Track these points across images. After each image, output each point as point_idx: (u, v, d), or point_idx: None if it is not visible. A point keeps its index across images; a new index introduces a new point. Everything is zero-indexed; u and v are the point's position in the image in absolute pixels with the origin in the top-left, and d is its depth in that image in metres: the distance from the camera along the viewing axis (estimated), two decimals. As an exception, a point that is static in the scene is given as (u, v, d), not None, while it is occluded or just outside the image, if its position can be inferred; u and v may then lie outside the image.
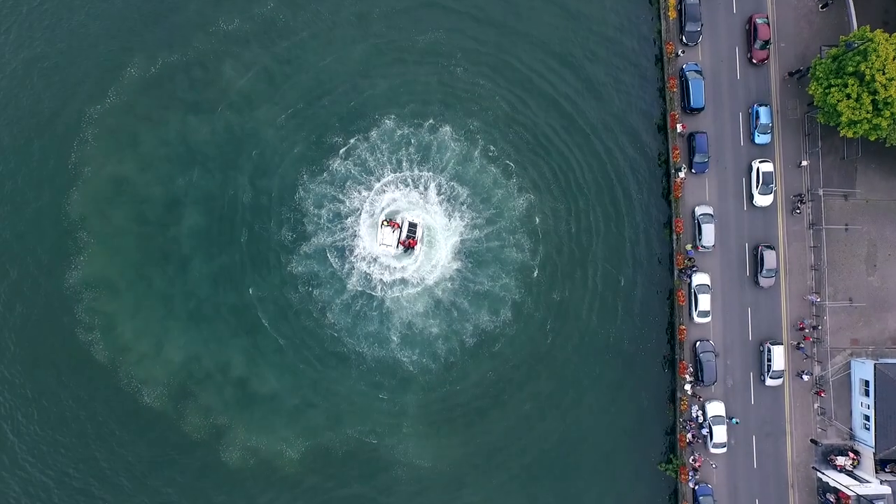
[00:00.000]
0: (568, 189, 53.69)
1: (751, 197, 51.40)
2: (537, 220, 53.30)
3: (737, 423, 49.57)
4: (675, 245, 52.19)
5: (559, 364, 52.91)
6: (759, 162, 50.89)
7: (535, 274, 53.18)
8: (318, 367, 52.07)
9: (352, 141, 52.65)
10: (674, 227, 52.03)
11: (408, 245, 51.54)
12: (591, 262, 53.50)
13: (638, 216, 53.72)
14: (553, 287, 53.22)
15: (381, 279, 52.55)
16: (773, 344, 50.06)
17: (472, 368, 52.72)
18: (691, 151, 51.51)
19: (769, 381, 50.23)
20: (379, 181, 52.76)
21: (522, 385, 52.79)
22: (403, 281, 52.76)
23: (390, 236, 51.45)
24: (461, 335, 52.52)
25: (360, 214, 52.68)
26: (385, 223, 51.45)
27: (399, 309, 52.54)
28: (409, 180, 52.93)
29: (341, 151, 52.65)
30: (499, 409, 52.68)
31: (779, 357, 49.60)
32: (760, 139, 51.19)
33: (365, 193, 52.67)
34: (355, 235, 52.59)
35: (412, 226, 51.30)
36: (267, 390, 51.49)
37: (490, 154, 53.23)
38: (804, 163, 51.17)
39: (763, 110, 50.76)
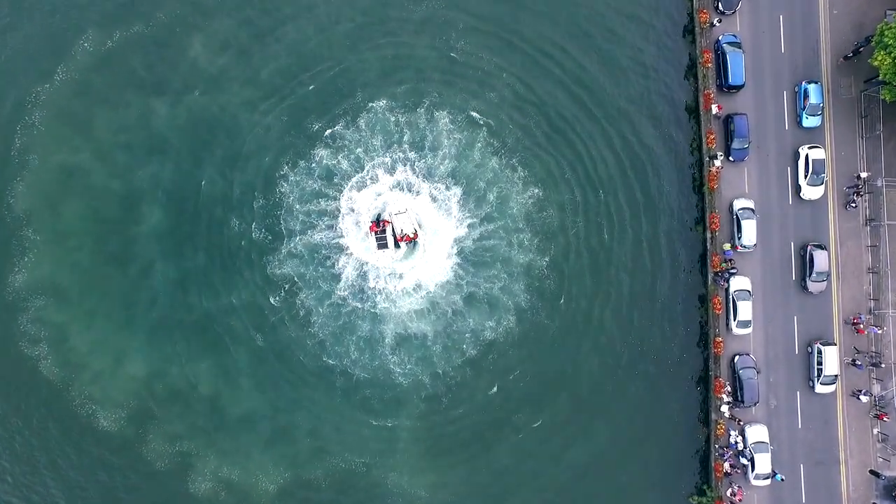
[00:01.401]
0: (582, 182, 46.83)
1: (798, 189, 44.46)
2: (547, 217, 46.46)
3: (782, 479, 42.61)
4: (709, 245, 45.33)
5: (575, 381, 46.20)
6: (809, 148, 43.92)
7: (546, 278, 46.42)
8: (300, 385, 45.57)
9: (338, 127, 45.96)
10: (708, 224, 45.15)
11: (406, 239, 44.96)
12: (610, 264, 46.65)
13: (665, 212, 46.86)
14: (566, 294, 46.42)
15: (372, 283, 45.99)
16: (824, 344, 43.21)
17: (476, 386, 46.06)
18: (729, 136, 44.59)
19: (819, 388, 43.36)
20: (368, 172, 46.11)
21: (532, 405, 46.09)
22: (396, 285, 46.19)
23: (385, 238, 44.92)
24: (462, 347, 45.89)
25: (349, 210, 46.07)
26: (377, 226, 44.81)
27: (391, 317, 45.98)
28: (403, 172, 46.20)
29: (326, 138, 45.98)
30: (506, 433, 46.02)
31: (832, 359, 42.74)
32: (809, 122, 44.22)
33: (353, 186, 45.99)
34: (342, 234, 46.03)
35: (402, 218, 44.69)
36: (241, 412, 45.02)
37: (493, 142, 46.42)
38: (861, 149, 44.17)
39: (813, 88, 43.76)
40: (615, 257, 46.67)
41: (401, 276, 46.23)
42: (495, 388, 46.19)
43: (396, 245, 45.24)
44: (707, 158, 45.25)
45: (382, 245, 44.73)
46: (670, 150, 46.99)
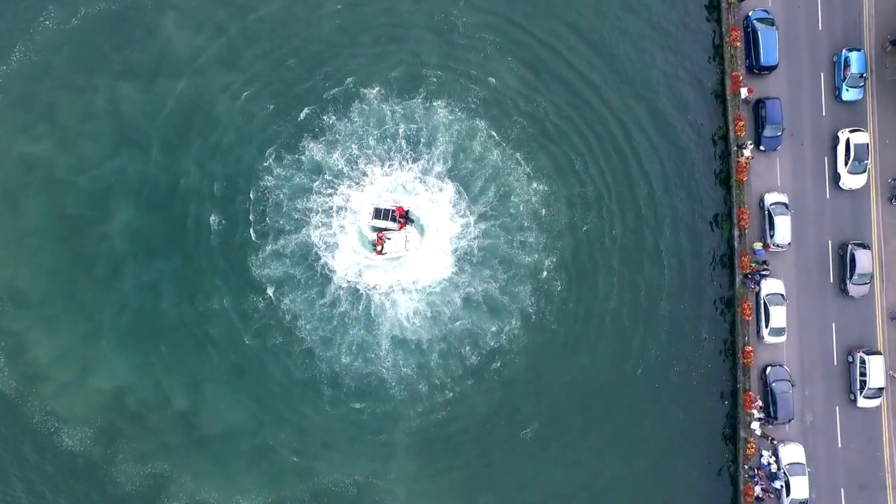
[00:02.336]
0: (593, 175, 42.54)
1: (837, 178, 40.04)
2: (554, 213, 42.19)
3: None
4: (737, 244, 40.95)
5: (586, 394, 41.89)
6: (850, 132, 39.46)
7: (553, 280, 42.07)
8: (285, 397, 41.26)
9: (327, 116, 41.80)
10: (736, 221, 40.80)
11: (403, 221, 41.04)
12: (624, 265, 42.33)
13: (687, 207, 42.51)
14: (575, 297, 42.10)
15: (365, 285, 41.77)
16: (867, 353, 38.86)
17: (477, 397, 41.71)
18: (759, 123, 40.21)
19: (862, 402, 39.13)
20: (360, 166, 41.86)
21: (539, 420, 41.73)
22: (391, 287, 41.96)
23: (394, 245, 41.06)
24: (462, 355, 41.59)
25: (340, 207, 41.88)
26: (384, 239, 40.98)
27: (386, 322, 41.73)
28: (396, 163, 41.95)
29: (314, 128, 41.85)
30: (511, 450, 41.63)
31: (877, 369, 38.47)
32: (849, 94, 39.71)
33: (344, 180, 41.83)
34: (333, 233, 41.83)
35: (383, 212, 40.80)
36: (219, 428, 40.76)
37: (496, 133, 42.20)
38: (907, 136, 39.85)
39: (855, 56, 39.19)
40: (630, 257, 42.35)
41: (396, 278, 42.04)
42: (498, 401, 41.87)
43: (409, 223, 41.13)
44: (735, 148, 40.88)
45: (396, 253, 41.02)
46: (693, 139, 42.66)
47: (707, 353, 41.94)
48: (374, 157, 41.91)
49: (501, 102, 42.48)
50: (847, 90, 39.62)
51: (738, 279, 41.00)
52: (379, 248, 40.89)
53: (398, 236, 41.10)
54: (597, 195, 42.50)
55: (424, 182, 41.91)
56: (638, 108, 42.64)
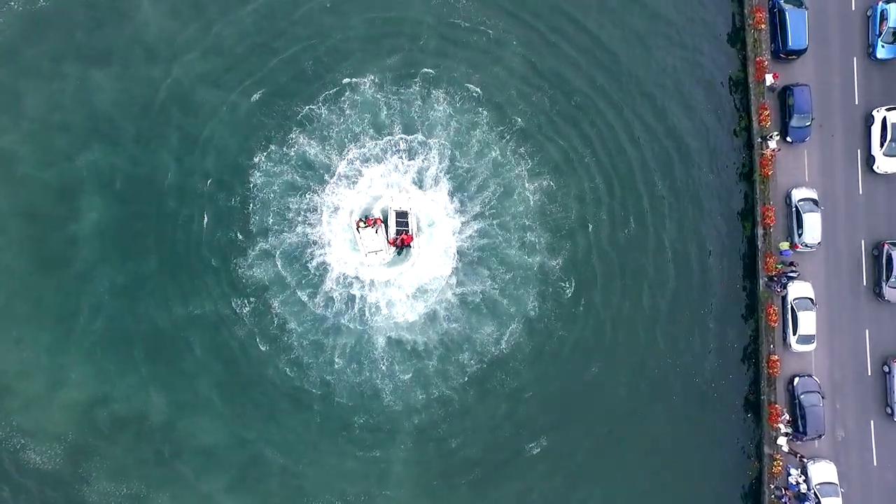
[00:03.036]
0: (605, 169, 39.48)
1: (871, 161, 36.68)
2: (563, 211, 39.11)
3: None
4: (761, 243, 37.75)
5: (597, 406, 38.81)
6: (886, 110, 36.19)
7: (562, 282, 39.05)
8: (271, 411, 38.08)
9: (317, 107, 38.54)
10: (760, 219, 37.63)
11: (401, 243, 37.54)
12: (639, 267, 39.32)
13: (706, 204, 39.41)
14: (585, 302, 39.05)
15: (358, 289, 38.67)
16: None
17: (480, 410, 38.59)
18: (786, 112, 36.98)
19: None
20: (354, 161, 38.67)
21: (548, 435, 38.67)
22: (387, 292, 38.85)
23: (375, 238, 37.45)
24: (463, 365, 38.50)
25: (331, 205, 38.76)
26: (362, 223, 37.47)
27: (381, 329, 38.65)
28: (392, 159, 38.84)
29: (303, 120, 38.60)
30: (517, 467, 38.58)
31: None
32: (884, 52, 36.56)
33: (336, 177, 38.67)
34: (324, 233, 38.69)
35: (401, 215, 37.45)
36: (200, 445, 37.55)
37: (499, 124, 39.08)
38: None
39: (893, 8, 35.84)
40: (644, 259, 39.28)
41: (392, 281, 38.91)
42: (503, 413, 38.74)
43: (399, 251, 37.81)
44: (759, 140, 37.67)
45: (377, 250, 37.36)
46: (712, 131, 39.53)
47: (728, 363, 38.83)
48: (368, 151, 38.74)
49: (505, 92, 39.35)
50: (882, 47, 36.28)
51: (762, 282, 37.82)
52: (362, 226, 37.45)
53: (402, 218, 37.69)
54: (607, 191, 39.36)
55: (421, 177, 38.81)
56: (653, 96, 39.53)
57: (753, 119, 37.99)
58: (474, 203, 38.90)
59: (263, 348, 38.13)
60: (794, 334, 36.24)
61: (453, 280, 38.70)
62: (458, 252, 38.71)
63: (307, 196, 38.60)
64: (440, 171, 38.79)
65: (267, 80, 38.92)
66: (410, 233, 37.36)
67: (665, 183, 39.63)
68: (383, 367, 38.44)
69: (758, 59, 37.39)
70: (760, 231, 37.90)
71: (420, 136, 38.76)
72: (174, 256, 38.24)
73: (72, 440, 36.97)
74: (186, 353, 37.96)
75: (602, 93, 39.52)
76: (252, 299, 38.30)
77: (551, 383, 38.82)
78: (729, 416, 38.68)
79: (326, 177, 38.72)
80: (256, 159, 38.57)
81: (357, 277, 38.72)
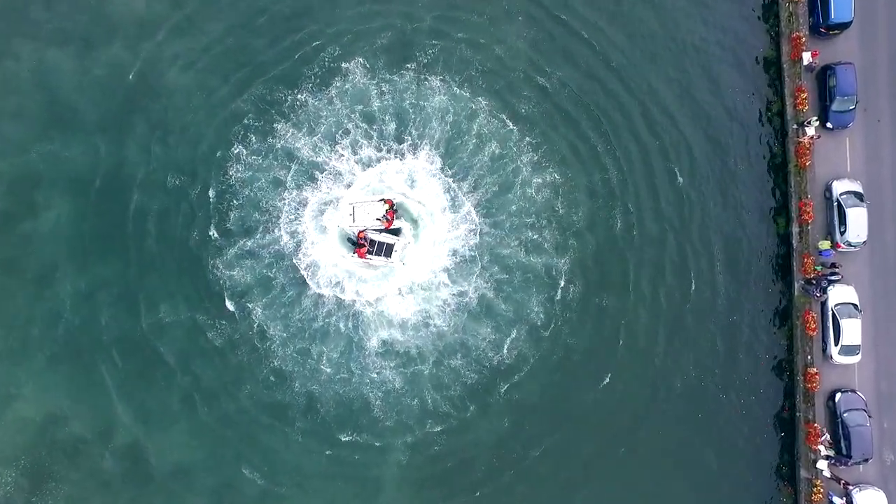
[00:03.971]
0: (619, 161, 35.55)
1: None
2: (571, 207, 35.22)
3: None
4: (796, 242, 33.69)
5: (612, 424, 34.81)
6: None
7: (571, 285, 35.10)
8: (250, 427, 34.28)
9: (301, 94, 34.82)
10: (795, 215, 33.56)
11: (389, 222, 34.07)
12: (658, 270, 35.38)
13: (732, 199, 35.45)
14: (597, 307, 35.10)
15: (347, 292, 34.84)
16: None
17: (480, 425, 34.65)
18: (826, 95, 32.89)
19: None
20: (341, 154, 34.86)
21: (555, 454, 34.66)
22: (378, 295, 35.04)
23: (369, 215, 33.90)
24: (461, 375, 34.59)
25: (318, 202, 34.96)
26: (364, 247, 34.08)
27: (372, 335, 34.78)
28: (385, 152, 35.02)
29: (285, 108, 34.91)
30: (522, 488, 34.62)
31: None
32: None
33: (322, 171, 34.89)
34: (310, 232, 34.87)
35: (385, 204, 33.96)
36: (170, 466, 33.77)
37: (501, 113, 35.26)
38: None
39: None
40: (663, 260, 35.30)
41: (386, 283, 35.09)
42: (506, 427, 34.80)
43: (387, 254, 34.19)
44: (794, 126, 33.60)
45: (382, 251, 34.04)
46: (741, 116, 35.52)
47: (760, 376, 34.78)
48: (357, 143, 34.92)
49: (508, 76, 35.47)
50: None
51: (797, 286, 33.76)
52: (363, 248, 33.98)
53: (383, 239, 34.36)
54: (620, 185, 35.39)
55: (416, 171, 34.98)
56: (672, 79, 35.57)
57: (788, 103, 33.90)
58: (475, 199, 35.08)
59: (242, 357, 34.37)
60: (836, 344, 32.15)
61: (449, 282, 34.88)
62: (456, 253, 34.87)
63: (289, 191, 34.86)
64: (437, 163, 34.98)
65: (248, 62, 35.26)
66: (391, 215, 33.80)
67: (686, 175, 35.65)
68: (373, 380, 34.65)
69: (793, 34, 33.27)
70: (796, 228, 33.81)
71: (414, 125, 35.00)
72: (143, 258, 34.51)
73: (25, 464, 33.28)
74: (157, 365, 34.19)
75: (615, 75, 35.59)
76: (231, 304, 34.54)
77: (559, 398, 34.89)
78: (760, 435, 34.62)
79: (313, 171, 34.98)
80: (236, 151, 34.82)
81: (345, 281, 34.96)
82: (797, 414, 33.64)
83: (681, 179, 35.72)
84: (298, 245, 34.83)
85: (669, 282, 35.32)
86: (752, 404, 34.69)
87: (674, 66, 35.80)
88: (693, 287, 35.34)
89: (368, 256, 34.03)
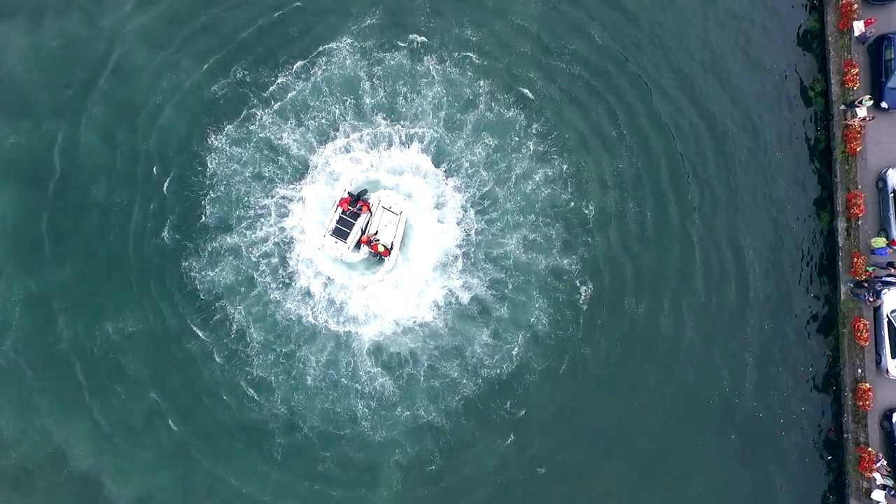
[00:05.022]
0: (634, 149, 31.58)
1: None
2: (582, 200, 31.23)
3: None
4: (844, 239, 29.51)
5: (632, 446, 30.72)
6: None
7: (583, 286, 31.03)
8: (224, 449, 30.18)
9: (282, 76, 30.91)
10: (843, 208, 29.37)
11: (375, 249, 29.86)
12: (681, 271, 31.37)
13: (768, 190, 31.38)
14: (613, 312, 30.96)
15: (336, 295, 30.81)
16: None
17: (482, 443, 30.43)
18: (881, 70, 28.77)
19: None
20: (327, 142, 30.99)
21: (568, 478, 30.55)
22: (369, 299, 31.03)
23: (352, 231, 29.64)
24: (460, 387, 30.46)
25: (300, 197, 31.08)
26: (349, 208, 29.63)
27: (361, 343, 30.77)
28: (376, 143, 31.15)
29: (265, 91, 31.02)
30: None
31: None
32: None
33: (308, 164, 31.02)
34: (294, 227, 31.05)
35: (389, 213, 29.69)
36: (133, 495, 29.66)
37: (504, 96, 31.34)
38: None
39: None
40: (688, 259, 31.21)
41: (376, 285, 31.11)
42: (510, 451, 30.71)
43: (358, 246, 30.11)
44: (842, 107, 29.44)
45: (339, 233, 29.53)
46: (778, 96, 31.52)
47: (801, 393, 30.70)
48: (344, 131, 31.09)
49: (513, 54, 31.51)
50: None
51: (845, 289, 29.62)
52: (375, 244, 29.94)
53: (389, 219, 30.17)
54: (637, 174, 31.40)
55: (408, 161, 31.15)
56: (697, 54, 31.62)
57: (834, 81, 29.77)
58: (474, 193, 31.16)
59: (214, 371, 30.32)
60: (894, 357, 27.99)
61: (449, 287, 30.83)
62: (456, 253, 30.90)
63: (269, 184, 31.03)
64: (431, 153, 31.21)
65: (220, 40, 31.39)
66: (385, 246, 29.61)
67: (713, 165, 31.65)
68: (362, 391, 30.68)
69: (842, 2, 29.10)
70: (843, 224, 29.66)
71: (407, 112, 31.21)
72: (104, 260, 30.51)
73: (-34, 493, 29.31)
74: (116, 380, 30.12)
75: (634, 47, 31.61)
76: (205, 309, 30.56)
77: (571, 415, 30.83)
78: (803, 460, 30.50)
79: (297, 163, 31.15)
80: (211, 140, 30.88)
81: (330, 284, 31.01)
82: (845, 436, 29.46)
83: (707, 170, 31.78)
84: (282, 243, 30.99)
85: (694, 285, 31.30)
86: (793, 425, 30.58)
87: (700, 40, 31.85)
88: (722, 291, 31.31)
89: (390, 246, 29.64)
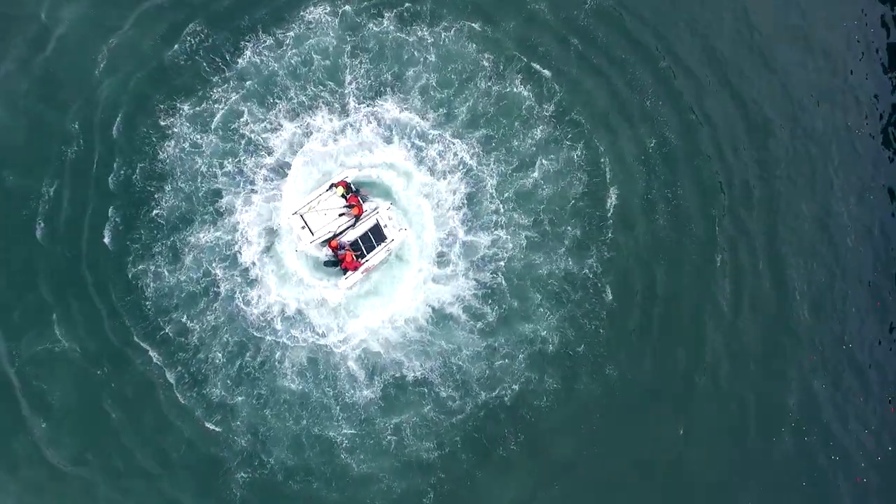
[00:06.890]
0: (669, 125, 26.62)
1: None
2: (602, 193, 26.21)
3: None
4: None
5: (680, 487, 24.90)
6: None
7: (602, 292, 25.79)
8: (177, 486, 24.51)
9: (250, 50, 26.22)
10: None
11: (344, 259, 24.47)
12: (733, 271, 26.04)
13: (837, 181, 26.41)
14: (642, 322, 25.58)
15: (310, 304, 25.52)
16: None
17: (482, 477, 24.70)
18: None
19: None
20: (306, 126, 26.21)
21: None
22: (355, 310, 25.79)
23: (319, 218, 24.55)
24: (458, 411, 24.93)
25: (272, 190, 26.10)
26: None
27: (340, 357, 25.38)
28: (364, 127, 26.34)
29: (228, 67, 26.25)
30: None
31: None
32: None
33: (274, 152, 26.14)
34: (263, 225, 25.94)
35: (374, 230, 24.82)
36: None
37: (507, 70, 26.53)
38: None
39: None
40: (741, 257, 26.08)
41: (360, 288, 26.13)
42: (525, 489, 25.15)
43: (323, 244, 25.03)
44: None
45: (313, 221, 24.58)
46: (854, 62, 26.08)
47: (888, 428, 24.77)
48: (319, 114, 26.23)
49: (519, 15, 26.75)
50: None
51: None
52: (347, 257, 24.76)
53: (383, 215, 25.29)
54: (667, 155, 26.26)
55: (394, 151, 26.29)
56: (743, 14, 26.26)
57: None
58: (473, 188, 26.39)
59: (160, 395, 24.90)
60: None
61: (435, 290, 25.70)
62: (450, 254, 25.88)
63: (238, 172, 26.11)
64: (424, 139, 26.46)
65: (183, 1, 26.64)
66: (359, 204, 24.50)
67: (767, 149, 26.48)
68: (341, 413, 25.28)
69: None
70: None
71: (392, 89, 26.55)
72: (27, 261, 25.28)
73: None
74: (45, 407, 24.77)
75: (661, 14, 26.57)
76: (153, 320, 25.30)
77: (588, 440, 25.27)
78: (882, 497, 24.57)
79: (262, 152, 26.23)
80: (158, 119, 26.00)
81: (307, 286, 25.87)
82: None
83: (761, 154, 26.60)
84: (246, 243, 25.88)
85: (751, 293, 25.84)
86: (879, 469, 24.68)
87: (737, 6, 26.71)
88: (780, 303, 25.83)
89: (364, 261, 24.68)
